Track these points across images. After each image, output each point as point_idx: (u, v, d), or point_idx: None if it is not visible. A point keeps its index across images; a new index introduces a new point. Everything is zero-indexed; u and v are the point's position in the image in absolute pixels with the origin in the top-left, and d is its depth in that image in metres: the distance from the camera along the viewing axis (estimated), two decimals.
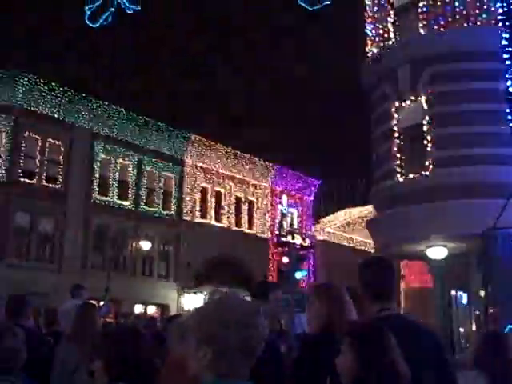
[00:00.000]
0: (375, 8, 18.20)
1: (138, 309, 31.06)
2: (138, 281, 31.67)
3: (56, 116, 29.43)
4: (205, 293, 32.21)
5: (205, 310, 2.04)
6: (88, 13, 13.27)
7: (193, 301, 32.12)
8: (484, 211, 14.73)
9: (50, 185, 29.27)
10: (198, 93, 60.95)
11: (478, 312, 16.21)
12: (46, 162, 29.33)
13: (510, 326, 13.92)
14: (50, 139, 29.46)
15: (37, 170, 28.94)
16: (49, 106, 29.16)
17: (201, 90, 71.17)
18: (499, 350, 3.84)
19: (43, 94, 28.92)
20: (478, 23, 15.84)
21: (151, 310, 31.79)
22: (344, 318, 3.29)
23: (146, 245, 30.86)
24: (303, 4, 12.54)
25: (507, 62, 15.61)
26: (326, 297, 3.50)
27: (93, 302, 7.63)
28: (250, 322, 1.97)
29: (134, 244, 31.42)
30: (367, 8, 18.66)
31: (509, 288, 14.67)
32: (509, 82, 15.53)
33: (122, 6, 13.13)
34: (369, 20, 18.52)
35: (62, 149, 29.88)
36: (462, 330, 17.00)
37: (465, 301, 17.23)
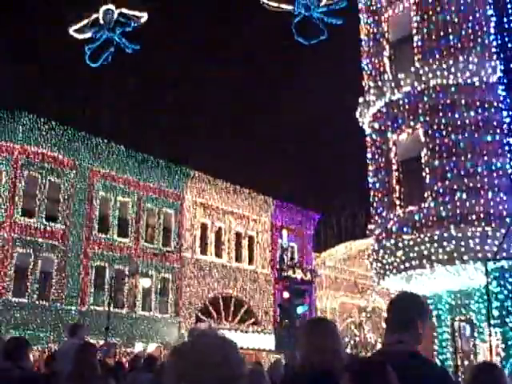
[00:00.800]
0: (371, 43, 18.43)
1: (139, 347, 30.71)
2: (138, 318, 31.42)
3: (56, 154, 29.59)
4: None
5: (181, 349, 2.05)
6: (88, 53, 13.40)
7: None
8: (484, 241, 14.71)
9: (50, 223, 29.25)
10: (198, 129, 61.40)
11: (481, 344, 16.04)
12: (45, 201, 29.37)
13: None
14: (50, 178, 29.57)
15: (37, 208, 28.96)
16: (49, 144, 29.35)
17: (200, 126, 71.64)
18: (490, 381, 3.69)
19: (43, 132, 29.14)
20: (473, 56, 16.03)
21: (152, 347, 31.43)
22: (337, 353, 3.24)
23: (145, 282, 30.70)
24: (300, 40, 12.67)
25: (503, 93, 15.78)
26: (312, 332, 3.42)
27: (92, 341, 7.58)
28: (225, 360, 1.96)
29: (133, 281, 31.26)
30: (363, 43, 18.89)
31: (509, 319, 14.55)
32: (504, 113, 15.67)
33: (122, 46, 13.27)
34: (365, 55, 18.73)
35: (62, 187, 29.95)
36: (466, 362, 16.79)
37: (468, 333, 17.06)
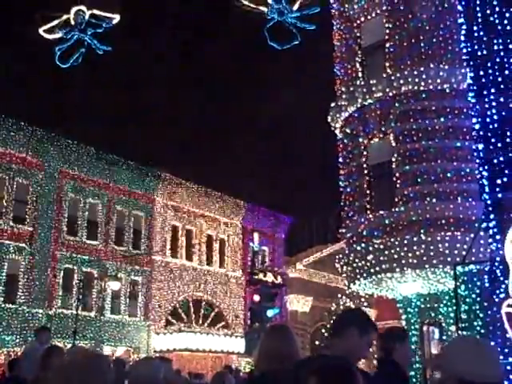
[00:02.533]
0: (343, 48, 18.56)
1: (107, 351, 30.38)
2: (107, 322, 31.09)
3: (24, 155, 29.14)
4: (173, 333, 31.76)
5: (58, 368, 2.46)
6: (58, 53, 13.24)
7: (164, 341, 31.60)
8: (454, 246, 14.91)
9: (18, 225, 28.79)
10: (169, 131, 61.13)
11: None
12: (13, 202, 28.90)
13: None
14: (18, 179, 29.11)
15: (4, 210, 28.49)
16: (17, 145, 28.88)
17: (171, 128, 71.28)
18: None
19: (11, 133, 28.66)
20: (444, 63, 16.24)
21: (120, 351, 31.14)
22: (290, 358, 3.34)
23: (114, 285, 30.39)
24: (273, 44, 12.68)
25: (472, 100, 16.02)
26: (265, 338, 3.67)
27: (60, 345, 7.46)
28: (93, 380, 2.31)
29: (102, 284, 30.92)
30: (335, 48, 19.01)
31: (477, 323, 14.76)
32: (474, 120, 15.92)
33: (93, 47, 13.14)
34: (337, 60, 18.85)
35: (31, 189, 29.51)
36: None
37: (437, 336, 17.26)
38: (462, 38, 16.51)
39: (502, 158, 15.49)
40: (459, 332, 14.40)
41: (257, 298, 33.94)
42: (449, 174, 15.67)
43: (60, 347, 6.73)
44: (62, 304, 29.57)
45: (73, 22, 12.67)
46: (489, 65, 16.09)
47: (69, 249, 30.32)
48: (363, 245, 16.42)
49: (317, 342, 32.03)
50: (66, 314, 28.62)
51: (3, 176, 28.54)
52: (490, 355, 2.41)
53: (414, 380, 16.28)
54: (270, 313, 32.06)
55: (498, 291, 14.94)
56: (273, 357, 3.41)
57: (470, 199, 15.51)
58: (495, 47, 16.14)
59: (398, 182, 16.13)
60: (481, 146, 15.79)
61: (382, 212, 16.28)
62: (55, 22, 12.80)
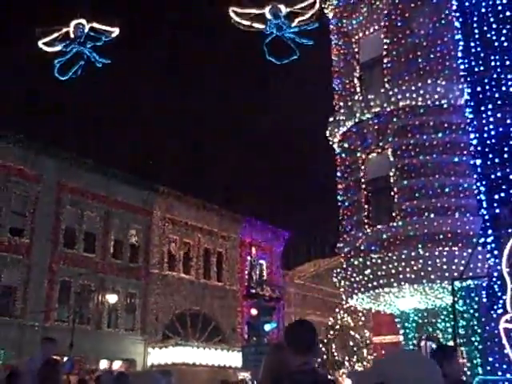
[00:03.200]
0: (341, 63, 18.63)
1: (103, 364, 30.22)
2: (104, 335, 30.95)
3: (22, 167, 29.15)
4: (170, 347, 31.58)
5: None
6: (57, 66, 13.28)
7: (160, 355, 31.44)
8: (451, 261, 14.87)
9: (15, 237, 28.75)
10: (167, 144, 61.18)
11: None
12: (11, 214, 28.87)
13: (477, 379, 13.91)
14: (16, 191, 29.10)
15: (1, 221, 28.45)
16: (15, 157, 28.90)
17: (170, 141, 71.39)
18: None
19: (9, 145, 28.69)
20: (441, 79, 16.31)
21: (117, 365, 30.97)
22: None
23: (112, 298, 30.29)
24: (272, 59, 12.76)
25: (470, 116, 16.07)
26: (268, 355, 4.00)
27: (56, 357, 7.40)
28: None
29: (99, 297, 30.81)
30: (334, 63, 19.09)
31: (475, 338, 14.72)
32: (472, 135, 15.96)
33: (92, 60, 13.20)
34: (335, 75, 18.92)
35: (28, 200, 29.49)
36: None
37: None
38: (460, 54, 16.59)
39: (499, 174, 15.51)
40: (457, 348, 14.34)
41: (254, 311, 33.73)
42: (447, 189, 15.68)
43: (57, 360, 6.66)
44: (59, 317, 29.45)
45: (72, 36, 12.74)
46: (486, 81, 16.16)
47: (66, 261, 30.27)
48: (361, 259, 16.38)
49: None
50: (62, 326, 28.48)
51: (1, 187, 28.53)
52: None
53: None
54: (267, 327, 31.80)
55: (495, 306, 14.90)
56: (276, 374, 3.66)
57: (468, 214, 15.51)
58: (492, 63, 16.21)
59: (396, 196, 16.13)
60: (478, 162, 15.81)
61: (379, 226, 16.26)
62: (55, 35, 12.87)
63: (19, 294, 28.39)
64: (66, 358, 23.69)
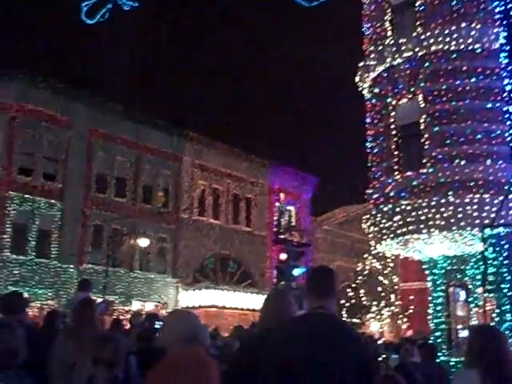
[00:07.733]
0: (372, 6, 18.20)
1: (136, 306, 31.09)
2: (136, 278, 31.72)
3: (53, 113, 29.39)
4: (201, 290, 32.28)
5: None
6: (85, 9, 13.24)
7: (191, 297, 32.18)
8: (482, 208, 14.81)
9: (48, 182, 29.26)
10: (199, 91, 60.93)
11: (476, 309, 16.27)
12: (43, 160, 29.32)
13: (506, 325, 14.00)
14: (48, 136, 29.44)
15: (34, 167, 28.93)
16: (46, 103, 29.09)
17: (200, 87, 71.09)
18: (491, 341, 3.76)
19: (41, 91, 28.86)
20: (476, 22, 15.86)
21: (149, 306, 31.82)
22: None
23: (143, 242, 30.88)
24: (301, 1, 12.55)
25: (505, 61, 15.66)
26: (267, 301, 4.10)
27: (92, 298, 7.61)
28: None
29: (131, 241, 31.44)
30: (364, 7, 18.65)
31: (504, 285, 14.74)
32: (506, 81, 15.59)
33: (119, 3, 13.12)
34: (366, 18, 18.51)
35: (60, 146, 29.86)
36: (460, 327, 17.06)
37: (463, 298, 17.29)
38: None
39: None
40: (486, 294, 14.42)
41: (283, 256, 34.22)
42: (479, 136, 15.45)
43: (93, 300, 6.79)
44: (92, 260, 30.18)
45: None
46: None
47: (98, 206, 30.80)
48: (390, 205, 16.38)
49: (342, 302, 32.28)
50: (96, 269, 29.21)
51: (32, 133, 28.86)
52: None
53: (439, 341, 16.41)
54: (296, 271, 32.29)
55: None
56: (275, 317, 3.80)
57: (500, 161, 15.30)
58: None
59: (427, 143, 15.96)
60: None
61: (409, 173, 16.17)
62: None
63: (54, 237, 29.09)
64: (99, 300, 24.41)
